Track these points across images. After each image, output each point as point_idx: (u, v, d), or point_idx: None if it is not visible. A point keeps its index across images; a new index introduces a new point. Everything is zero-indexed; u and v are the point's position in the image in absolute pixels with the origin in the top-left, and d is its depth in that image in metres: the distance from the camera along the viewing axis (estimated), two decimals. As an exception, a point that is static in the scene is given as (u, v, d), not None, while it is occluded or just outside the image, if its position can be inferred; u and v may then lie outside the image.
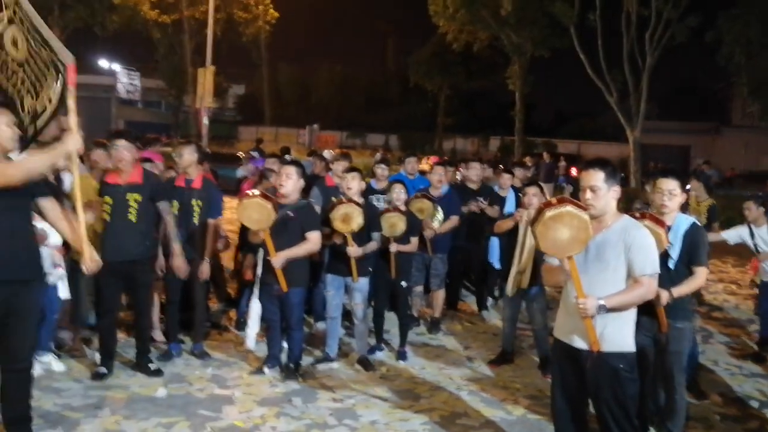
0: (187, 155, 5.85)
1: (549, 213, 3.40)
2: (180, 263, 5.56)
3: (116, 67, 39.29)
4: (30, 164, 3.72)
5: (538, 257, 5.51)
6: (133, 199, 5.26)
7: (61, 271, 5.39)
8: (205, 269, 5.86)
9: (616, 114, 24.77)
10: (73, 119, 3.86)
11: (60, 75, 3.84)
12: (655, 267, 3.53)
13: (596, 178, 3.56)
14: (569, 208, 3.38)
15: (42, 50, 3.89)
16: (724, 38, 22.53)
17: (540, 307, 6.03)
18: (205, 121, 24.28)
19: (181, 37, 34.09)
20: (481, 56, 35.63)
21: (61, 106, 3.94)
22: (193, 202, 5.78)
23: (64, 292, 5.42)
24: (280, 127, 46.18)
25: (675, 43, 23.37)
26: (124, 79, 38.39)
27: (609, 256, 3.51)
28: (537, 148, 33.95)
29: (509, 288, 5.96)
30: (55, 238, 5.20)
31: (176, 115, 39.34)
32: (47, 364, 5.28)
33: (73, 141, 3.80)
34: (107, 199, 5.23)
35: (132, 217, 5.26)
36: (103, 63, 42.05)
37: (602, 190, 3.56)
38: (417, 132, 44.07)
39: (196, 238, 5.81)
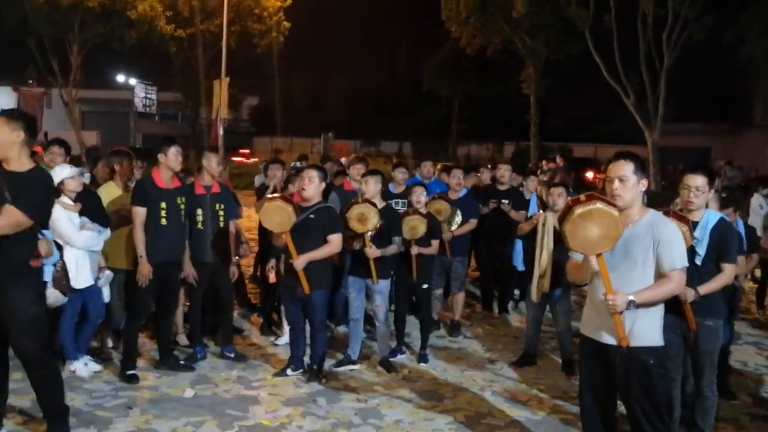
0: (215, 163, 5.98)
1: (578, 210, 3.36)
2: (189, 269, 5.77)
3: (133, 81, 39.69)
4: None
5: (560, 259, 5.51)
6: (181, 202, 5.53)
7: (109, 273, 5.53)
8: (234, 270, 6.05)
9: (633, 117, 24.59)
10: None
11: None
12: (684, 261, 3.51)
13: (626, 168, 3.55)
14: (599, 205, 3.34)
15: None
16: (744, 36, 22.23)
17: (564, 309, 6.01)
18: (221, 131, 24.54)
19: (197, 51, 34.42)
20: (494, 61, 35.57)
21: None
22: (217, 207, 5.89)
23: (106, 295, 5.58)
24: (295, 137, 46.39)
25: (692, 42, 23.16)
26: (141, 93, 38.72)
27: (637, 252, 3.49)
28: (553, 152, 33.74)
29: (533, 293, 5.94)
30: (99, 246, 5.39)
31: (192, 127, 39.70)
32: (84, 365, 5.42)
33: None
34: (162, 204, 5.41)
35: (183, 218, 5.57)
36: (121, 78, 42.55)
37: (631, 181, 3.54)
38: (431, 138, 44.03)
39: (223, 241, 5.93)
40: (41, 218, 4.10)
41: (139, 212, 5.36)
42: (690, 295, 4.15)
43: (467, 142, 45.20)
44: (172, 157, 5.45)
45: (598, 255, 3.41)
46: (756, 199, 9.39)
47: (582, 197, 3.43)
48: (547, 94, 33.08)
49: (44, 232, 4.14)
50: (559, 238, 5.54)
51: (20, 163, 4.01)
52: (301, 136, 45.64)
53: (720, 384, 5.37)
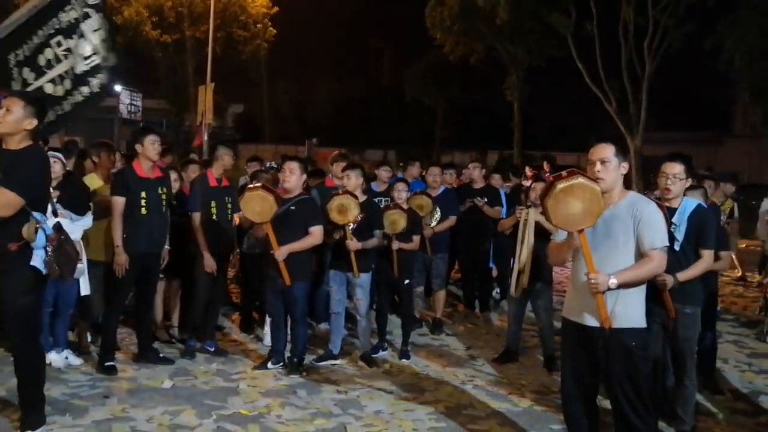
0: (229, 156, 6.04)
1: (560, 185, 3.36)
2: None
3: (118, 88, 39.48)
4: None
5: (539, 253, 5.53)
6: (163, 192, 5.50)
7: (81, 266, 5.42)
8: (236, 262, 6.01)
9: (616, 125, 24.81)
10: None
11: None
12: (664, 241, 3.52)
13: (607, 151, 3.57)
14: (581, 179, 3.35)
15: None
16: (723, 44, 22.55)
17: (545, 304, 6.00)
18: (205, 137, 24.41)
19: (183, 57, 34.33)
20: (477, 69, 35.79)
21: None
22: (226, 199, 5.95)
23: (85, 288, 5.46)
24: (279, 144, 46.35)
25: (673, 51, 23.45)
26: (126, 99, 38.43)
27: (618, 232, 3.50)
28: (536, 161, 33.94)
29: (512, 288, 5.94)
30: (75, 234, 5.25)
31: (177, 134, 39.54)
32: (64, 358, 5.38)
33: None
34: (142, 193, 5.37)
35: (164, 209, 5.53)
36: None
37: (612, 163, 3.56)
38: (415, 146, 44.10)
39: (229, 234, 5.98)
40: (33, 198, 3.89)
41: (118, 202, 5.32)
42: (669, 281, 4.18)
43: (451, 150, 45.26)
44: (149, 146, 5.40)
45: (580, 231, 3.41)
46: (766, 204, 8.94)
47: (564, 173, 3.42)
48: (530, 101, 33.31)
49: (35, 214, 3.94)
50: (539, 233, 5.57)
51: (18, 144, 3.94)
52: (286, 144, 45.59)
53: (707, 380, 5.46)
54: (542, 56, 29.30)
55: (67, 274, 4.32)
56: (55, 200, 5.16)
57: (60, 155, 5.45)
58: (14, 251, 3.86)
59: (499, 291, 8.49)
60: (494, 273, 8.40)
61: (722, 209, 7.87)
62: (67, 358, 5.41)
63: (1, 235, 3.83)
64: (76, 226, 5.31)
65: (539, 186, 6.07)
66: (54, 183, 5.22)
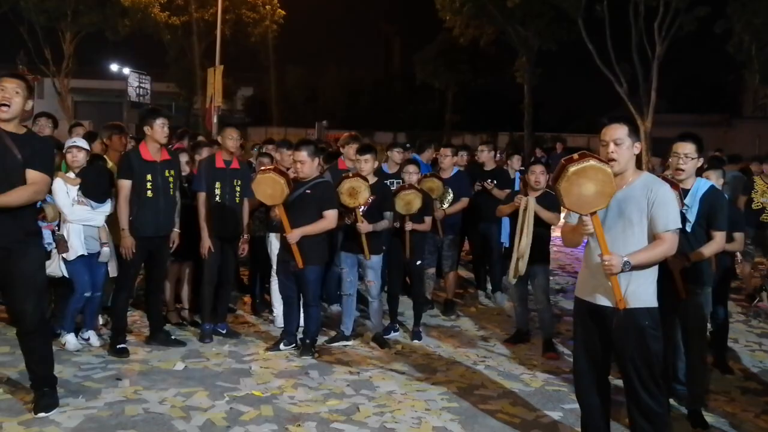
0: (234, 138, 5.98)
1: (573, 168, 3.33)
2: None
3: (127, 71, 39.43)
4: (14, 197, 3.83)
5: (540, 235, 5.47)
6: (170, 174, 5.45)
7: (107, 250, 5.48)
8: (244, 247, 6.06)
9: (626, 107, 24.61)
10: None
11: None
12: (677, 223, 3.49)
13: (620, 131, 3.54)
14: (592, 162, 3.33)
15: None
16: (733, 27, 22.32)
17: (542, 285, 5.93)
18: (215, 120, 24.39)
19: (191, 40, 34.23)
20: (488, 53, 35.56)
21: None
22: (235, 182, 5.87)
23: (113, 270, 5.56)
24: (289, 127, 46.28)
25: (684, 33, 23.20)
26: (134, 83, 38.39)
27: (631, 212, 3.47)
28: (546, 143, 33.79)
29: (510, 275, 5.74)
30: (97, 220, 5.35)
31: (186, 118, 39.54)
32: (86, 339, 5.47)
33: None
34: (148, 176, 5.34)
35: (171, 191, 5.48)
36: (114, 68, 42.28)
37: (625, 143, 3.52)
38: (425, 129, 44.00)
39: (235, 218, 5.91)
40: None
41: (123, 185, 5.30)
42: (682, 262, 4.15)
43: (461, 133, 45.14)
44: (158, 129, 5.38)
45: (593, 214, 3.39)
46: None
47: (575, 156, 3.39)
48: (540, 84, 33.08)
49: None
50: (538, 222, 5.51)
51: (18, 127, 4.01)
52: (295, 127, 45.55)
53: (718, 358, 5.44)
54: (553, 39, 29.05)
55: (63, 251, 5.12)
56: (77, 188, 5.22)
57: (86, 144, 5.51)
58: (33, 232, 4.02)
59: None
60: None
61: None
62: (89, 339, 5.48)
63: (21, 216, 3.94)
64: (96, 213, 5.36)
65: (538, 169, 6.01)
66: (76, 170, 5.30)
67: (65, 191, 5.22)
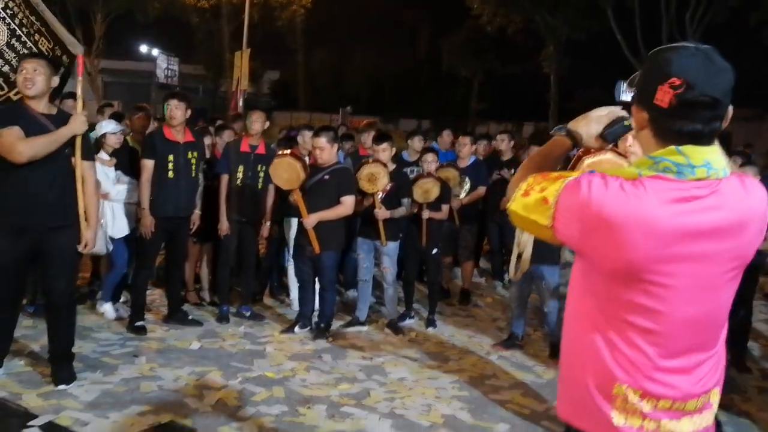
0: (260, 122, 6.01)
1: (588, 160, 3.30)
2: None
3: (156, 53, 39.74)
4: (38, 143, 3.93)
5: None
6: (192, 156, 5.52)
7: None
8: (266, 231, 6.11)
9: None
10: (79, 104, 4.30)
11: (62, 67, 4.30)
12: None
13: None
14: (609, 155, 3.30)
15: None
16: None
17: (550, 288, 5.50)
18: (241, 103, 24.44)
19: (219, 22, 34.39)
20: (515, 41, 35.18)
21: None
22: (259, 167, 5.91)
23: (101, 247, 5.67)
24: (314, 112, 46.33)
25: (716, 25, 22.77)
26: (163, 64, 38.69)
27: None
28: (571, 134, 33.36)
29: (511, 272, 5.63)
30: (133, 197, 5.58)
31: (213, 100, 39.80)
32: (116, 311, 5.70)
33: (79, 123, 4.08)
34: (170, 157, 5.41)
35: (193, 173, 5.54)
36: (144, 49, 42.68)
37: None
38: (450, 117, 43.79)
39: (257, 202, 5.96)
40: None
41: (147, 165, 5.38)
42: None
43: (486, 122, 44.85)
44: (174, 109, 5.42)
45: None
46: None
47: (592, 149, 3.36)
48: (568, 73, 32.68)
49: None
50: None
51: (48, 107, 4.12)
52: (320, 112, 45.59)
53: (736, 357, 5.39)
54: (581, 29, 28.70)
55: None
56: (113, 167, 5.39)
57: (122, 127, 5.73)
58: (72, 212, 4.16)
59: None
60: None
61: None
62: (118, 310, 5.69)
63: (70, 192, 4.14)
64: (135, 192, 5.58)
65: None
66: (110, 150, 5.53)
67: (104, 172, 5.35)
